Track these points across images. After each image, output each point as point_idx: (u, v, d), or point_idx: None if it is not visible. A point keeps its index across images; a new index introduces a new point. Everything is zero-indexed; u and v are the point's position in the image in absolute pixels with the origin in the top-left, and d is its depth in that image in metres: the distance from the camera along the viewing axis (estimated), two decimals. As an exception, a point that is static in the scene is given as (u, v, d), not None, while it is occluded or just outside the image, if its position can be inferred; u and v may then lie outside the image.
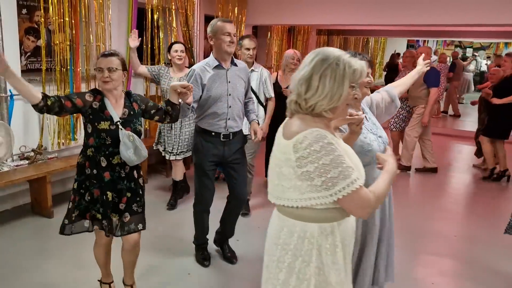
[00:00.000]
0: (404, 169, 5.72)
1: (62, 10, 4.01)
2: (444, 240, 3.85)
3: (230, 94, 2.92)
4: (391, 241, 2.38)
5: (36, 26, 4.05)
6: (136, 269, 2.66)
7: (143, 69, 4.10)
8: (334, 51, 1.48)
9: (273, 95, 4.28)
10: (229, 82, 2.92)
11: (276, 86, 4.50)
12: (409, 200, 4.89)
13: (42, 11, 3.91)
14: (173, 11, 5.39)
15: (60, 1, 3.98)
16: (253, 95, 3.54)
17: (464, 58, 14.76)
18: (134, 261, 2.60)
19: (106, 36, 4.54)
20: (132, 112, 2.37)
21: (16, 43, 3.86)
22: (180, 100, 2.49)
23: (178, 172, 4.30)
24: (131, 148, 2.27)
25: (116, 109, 2.31)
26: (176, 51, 4.09)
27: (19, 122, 3.98)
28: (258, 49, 8.68)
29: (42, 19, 3.94)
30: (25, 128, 4.05)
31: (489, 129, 5.56)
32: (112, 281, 2.72)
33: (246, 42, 3.94)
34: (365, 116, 2.01)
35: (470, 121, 9.67)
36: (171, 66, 4.20)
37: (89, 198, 2.35)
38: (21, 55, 3.97)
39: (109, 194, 2.32)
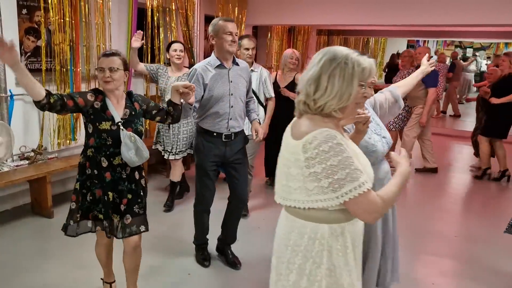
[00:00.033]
0: None
1: (62, 10, 4.01)
2: (444, 240, 3.85)
3: (232, 94, 2.90)
4: (396, 242, 2.39)
5: (36, 26, 4.05)
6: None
7: (141, 66, 4.09)
8: (342, 50, 1.46)
9: (273, 95, 4.28)
10: (231, 81, 2.91)
11: (275, 85, 4.51)
12: (409, 200, 4.88)
13: (42, 11, 3.91)
14: (173, 11, 5.40)
15: (60, 1, 3.98)
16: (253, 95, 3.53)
17: (465, 58, 14.74)
18: (137, 266, 2.54)
19: (106, 36, 4.54)
20: (133, 113, 2.35)
21: (16, 43, 3.83)
22: (182, 100, 2.47)
23: (176, 173, 4.27)
24: (133, 149, 2.25)
25: (117, 110, 2.30)
26: (175, 50, 4.08)
27: (19, 122, 3.98)
28: (258, 49, 8.70)
29: (42, 19, 3.94)
30: (25, 128, 4.05)
31: (488, 128, 5.55)
32: (114, 281, 2.71)
33: (245, 42, 3.94)
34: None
35: (470, 121, 9.65)
36: (170, 65, 4.19)
37: (91, 198, 2.34)
38: (21, 55, 3.96)
39: (110, 194, 2.31)
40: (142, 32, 3.90)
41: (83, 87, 4.39)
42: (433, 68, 2.70)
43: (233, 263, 3.15)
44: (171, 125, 4.11)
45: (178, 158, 4.19)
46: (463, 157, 6.88)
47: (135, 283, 2.57)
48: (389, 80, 6.96)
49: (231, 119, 2.92)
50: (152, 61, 5.22)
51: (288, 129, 1.56)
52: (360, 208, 1.39)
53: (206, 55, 6.17)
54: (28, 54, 4.05)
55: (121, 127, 2.26)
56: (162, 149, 4.26)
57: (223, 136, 2.92)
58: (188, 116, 2.81)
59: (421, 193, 5.24)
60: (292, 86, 4.61)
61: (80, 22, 4.24)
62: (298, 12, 6.39)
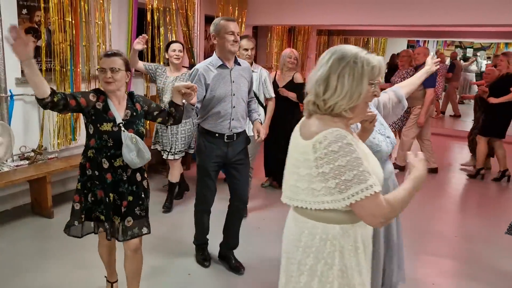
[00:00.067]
0: (399, 169, 5.72)
1: (62, 10, 4.01)
2: (444, 240, 3.85)
3: (234, 94, 2.88)
4: (400, 241, 2.38)
5: (36, 26, 4.05)
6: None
7: (140, 65, 4.08)
8: (351, 49, 1.44)
9: (273, 95, 4.27)
10: (233, 81, 2.88)
11: (274, 85, 4.49)
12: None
13: (42, 11, 3.91)
14: (173, 11, 5.40)
15: (60, 1, 3.98)
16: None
17: (466, 59, 14.73)
18: (138, 271, 2.48)
19: (106, 36, 4.54)
20: (134, 114, 2.32)
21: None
22: (183, 101, 2.45)
23: (175, 173, 4.25)
24: (134, 151, 2.22)
25: (118, 110, 2.27)
26: (174, 50, 4.06)
27: (19, 122, 3.98)
28: (259, 49, 8.70)
29: (42, 19, 3.94)
30: (25, 128, 4.05)
31: (486, 128, 5.56)
32: (116, 281, 2.70)
33: (244, 43, 3.93)
34: None
35: (470, 121, 9.63)
36: (169, 65, 4.18)
37: (92, 199, 2.32)
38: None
39: (111, 195, 2.28)
40: (146, 36, 3.90)
41: (83, 87, 4.39)
42: (437, 67, 2.69)
43: (236, 268, 3.10)
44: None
45: (177, 158, 4.18)
46: (463, 157, 6.88)
47: None
48: (388, 80, 6.95)
49: (233, 119, 2.90)
50: (153, 61, 5.22)
51: (297, 129, 1.54)
52: (366, 211, 1.36)
53: (206, 55, 6.17)
54: (28, 54, 4.05)
55: (122, 129, 2.23)
56: (161, 149, 4.25)
57: (225, 137, 2.90)
58: (190, 117, 2.79)
59: (421, 193, 5.18)
60: (290, 85, 4.60)
61: (80, 22, 4.24)
62: (298, 12, 6.39)
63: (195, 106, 2.68)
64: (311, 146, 1.39)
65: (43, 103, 2.03)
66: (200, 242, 3.22)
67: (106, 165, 2.27)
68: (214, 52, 2.94)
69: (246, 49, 3.94)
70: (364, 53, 1.43)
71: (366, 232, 1.53)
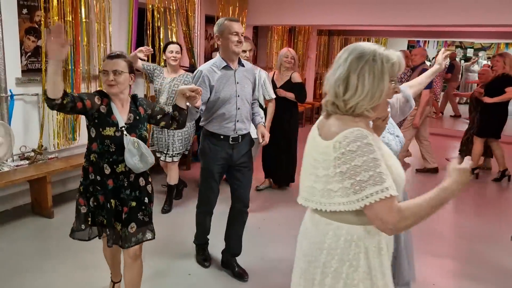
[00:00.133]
0: None
1: (62, 10, 4.01)
2: (445, 240, 3.84)
3: (239, 96, 2.84)
4: (409, 240, 2.38)
5: (36, 26, 4.05)
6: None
7: (138, 64, 4.05)
8: (369, 46, 1.40)
9: (273, 96, 4.25)
10: (238, 83, 2.84)
11: (272, 85, 4.46)
12: (410, 201, 4.87)
13: (42, 11, 3.91)
14: (174, 11, 5.40)
15: (61, 1, 3.97)
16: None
17: (467, 59, 14.72)
18: (137, 278, 2.41)
19: (107, 36, 4.54)
20: (137, 117, 2.28)
21: (16, 43, 3.86)
22: (187, 104, 2.40)
23: (173, 176, 4.20)
24: (137, 155, 2.18)
25: (122, 114, 2.23)
26: (171, 51, 4.01)
27: (19, 122, 3.97)
28: (259, 49, 8.70)
29: (43, 19, 3.94)
30: (25, 128, 4.04)
31: (482, 129, 5.57)
32: (120, 281, 2.68)
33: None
34: None
35: (470, 122, 9.66)
36: (166, 66, 4.15)
37: (95, 204, 2.28)
38: (21, 55, 3.97)
39: (113, 202, 2.24)
40: (152, 51, 3.89)
41: (83, 87, 4.39)
42: (448, 64, 2.65)
43: (240, 275, 3.03)
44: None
45: (176, 160, 4.14)
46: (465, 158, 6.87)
47: None
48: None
49: (238, 121, 2.86)
50: (153, 61, 5.22)
51: (315, 129, 1.50)
52: (376, 215, 1.30)
53: (207, 55, 6.17)
54: (29, 54, 4.05)
55: (125, 133, 2.19)
56: (156, 150, 4.19)
57: (230, 139, 2.86)
58: (194, 120, 2.74)
59: (421, 193, 5.22)
60: (288, 85, 4.59)
61: (80, 22, 4.24)
62: (298, 13, 6.39)
63: (199, 108, 2.65)
64: (332, 146, 1.35)
65: (52, 104, 1.98)
66: (201, 242, 3.22)
67: (107, 171, 2.22)
68: (218, 53, 2.90)
69: (244, 51, 3.90)
70: (382, 50, 1.39)
71: None
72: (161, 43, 5.27)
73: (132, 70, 2.27)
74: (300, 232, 1.61)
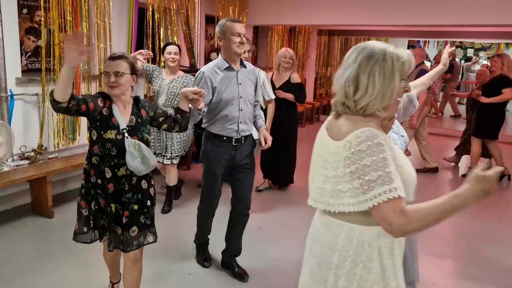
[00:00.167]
0: None
1: (63, 10, 4.01)
2: (445, 240, 3.84)
3: (241, 97, 2.82)
4: (413, 240, 2.38)
5: (36, 26, 4.05)
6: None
7: (138, 64, 4.04)
8: (378, 45, 1.38)
9: (273, 97, 4.24)
10: (240, 84, 2.82)
11: (272, 85, 4.45)
12: (410, 201, 4.87)
13: (42, 11, 3.91)
14: (174, 11, 5.39)
15: (61, 1, 3.98)
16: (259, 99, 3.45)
17: (468, 59, 14.71)
18: (136, 281, 2.39)
19: (107, 36, 4.54)
20: (139, 120, 2.25)
21: (16, 43, 3.86)
22: (190, 106, 2.38)
23: (172, 177, 4.17)
24: (138, 158, 2.14)
25: (123, 116, 2.20)
26: (170, 53, 3.97)
27: (19, 122, 3.97)
28: (259, 49, 8.69)
29: (43, 19, 3.94)
30: (25, 128, 4.04)
31: (479, 129, 5.59)
32: (118, 281, 2.67)
33: None
34: None
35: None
36: (165, 67, 4.12)
37: (96, 207, 2.26)
38: (21, 55, 3.97)
39: (113, 206, 2.22)
40: (151, 55, 3.90)
41: (83, 87, 4.39)
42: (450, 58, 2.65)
43: (240, 275, 3.03)
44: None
45: (175, 162, 4.12)
46: (464, 157, 6.87)
47: None
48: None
49: (240, 122, 2.83)
50: (153, 61, 5.22)
51: (323, 130, 1.49)
52: (383, 216, 1.28)
53: (207, 55, 6.17)
54: (29, 54, 4.05)
55: (126, 135, 2.16)
56: (154, 153, 4.16)
57: (233, 140, 2.85)
58: (196, 122, 2.72)
59: (422, 193, 5.19)
60: (287, 85, 4.57)
61: (80, 22, 4.24)
62: (298, 12, 6.39)
63: (202, 110, 2.63)
64: (342, 146, 1.34)
65: (58, 107, 1.96)
66: (202, 242, 3.21)
67: (108, 174, 2.20)
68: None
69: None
70: (392, 49, 1.38)
71: None
72: (161, 43, 5.26)
73: (134, 71, 2.25)
74: (310, 234, 1.58)
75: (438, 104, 11.01)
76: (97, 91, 4.51)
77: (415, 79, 2.69)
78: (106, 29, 4.52)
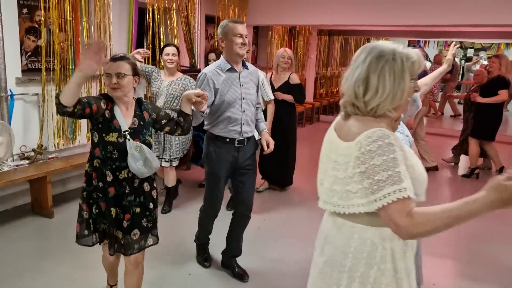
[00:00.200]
0: None
1: (63, 9, 4.01)
2: (445, 240, 3.84)
3: (243, 98, 2.80)
4: (418, 242, 2.37)
5: (36, 26, 4.05)
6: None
7: (137, 65, 4.03)
8: (387, 45, 1.38)
9: (272, 97, 4.22)
10: (242, 85, 2.80)
11: (271, 86, 4.43)
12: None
13: (42, 10, 3.91)
14: (174, 11, 5.39)
15: (61, 1, 3.98)
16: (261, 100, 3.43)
17: (468, 59, 14.71)
18: (137, 285, 2.38)
19: (107, 36, 4.54)
20: (142, 122, 2.22)
21: (16, 43, 3.86)
22: (192, 108, 2.35)
23: (171, 178, 4.16)
24: (140, 160, 2.12)
25: (125, 118, 2.17)
26: (168, 54, 3.93)
27: (19, 122, 3.97)
28: (259, 49, 8.69)
29: (43, 19, 3.94)
30: (25, 127, 4.04)
31: (476, 130, 5.60)
32: (115, 284, 2.66)
33: None
34: None
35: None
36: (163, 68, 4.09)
37: (97, 211, 2.24)
38: (21, 55, 3.97)
39: (113, 210, 2.19)
40: (149, 53, 3.84)
41: (83, 87, 4.38)
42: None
43: (240, 275, 3.03)
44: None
45: (174, 165, 4.10)
46: (463, 157, 6.87)
47: None
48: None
49: (243, 124, 2.81)
50: (153, 61, 5.22)
51: (332, 131, 1.48)
52: (390, 216, 1.26)
53: (207, 55, 6.17)
54: (29, 53, 4.05)
55: (128, 137, 2.14)
56: None
57: (236, 142, 2.83)
58: (198, 123, 2.70)
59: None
60: (287, 86, 4.55)
61: (80, 22, 4.24)
62: (299, 12, 6.39)
63: (204, 112, 2.62)
64: (353, 146, 1.33)
65: (63, 111, 1.93)
66: (202, 242, 3.21)
67: (109, 178, 2.18)
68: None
69: None
70: (401, 48, 1.37)
71: None
72: (161, 43, 5.26)
73: (136, 72, 2.22)
74: (320, 236, 1.56)
75: (438, 104, 11.03)
76: (98, 91, 4.52)
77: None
78: (106, 29, 4.52)
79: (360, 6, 5.95)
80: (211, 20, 6.32)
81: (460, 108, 11.17)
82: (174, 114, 2.63)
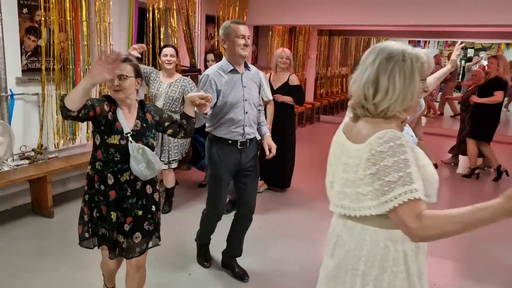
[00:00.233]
0: None
1: (63, 9, 4.01)
2: (445, 240, 3.82)
3: (246, 100, 2.78)
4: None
5: (36, 26, 4.05)
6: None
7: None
8: (397, 46, 1.37)
9: (271, 98, 4.21)
10: (245, 87, 2.79)
11: (270, 86, 4.42)
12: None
13: (42, 10, 3.91)
14: (174, 11, 5.39)
15: (61, 1, 3.97)
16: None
17: (468, 59, 14.70)
18: None
19: (107, 35, 4.54)
20: (144, 124, 2.20)
21: (16, 43, 3.86)
22: (195, 110, 2.33)
23: (170, 180, 4.15)
24: (143, 162, 2.09)
25: (128, 120, 2.15)
26: (166, 55, 3.90)
27: (19, 122, 3.97)
28: (259, 49, 8.69)
29: (43, 19, 3.94)
30: (25, 127, 4.04)
31: (474, 130, 5.61)
32: (113, 286, 2.63)
33: None
34: None
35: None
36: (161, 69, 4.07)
37: (97, 214, 2.22)
38: (21, 55, 3.97)
39: (113, 214, 2.16)
40: (145, 48, 3.83)
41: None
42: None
43: (240, 276, 3.02)
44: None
45: (173, 167, 4.09)
46: (462, 157, 6.87)
47: None
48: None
49: (246, 125, 2.79)
50: (154, 61, 5.21)
51: (340, 133, 1.47)
52: (401, 218, 1.24)
53: (205, 55, 6.17)
54: (29, 53, 4.05)
55: (130, 139, 2.11)
56: None
57: (239, 143, 2.81)
58: (200, 125, 2.68)
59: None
60: (286, 87, 4.53)
61: (80, 22, 4.24)
62: (299, 12, 6.39)
63: (207, 114, 2.60)
64: (364, 148, 1.32)
65: (67, 114, 1.91)
66: (204, 242, 3.20)
67: (111, 181, 2.15)
68: (223, 56, 2.86)
69: None
70: (410, 49, 1.36)
71: None
72: (162, 43, 5.26)
73: (139, 74, 2.20)
74: (330, 240, 1.55)
75: (437, 104, 11.02)
76: (98, 92, 4.51)
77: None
78: (106, 29, 4.52)
79: (360, 6, 5.95)
80: (211, 20, 6.32)
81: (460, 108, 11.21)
82: (175, 116, 2.61)
